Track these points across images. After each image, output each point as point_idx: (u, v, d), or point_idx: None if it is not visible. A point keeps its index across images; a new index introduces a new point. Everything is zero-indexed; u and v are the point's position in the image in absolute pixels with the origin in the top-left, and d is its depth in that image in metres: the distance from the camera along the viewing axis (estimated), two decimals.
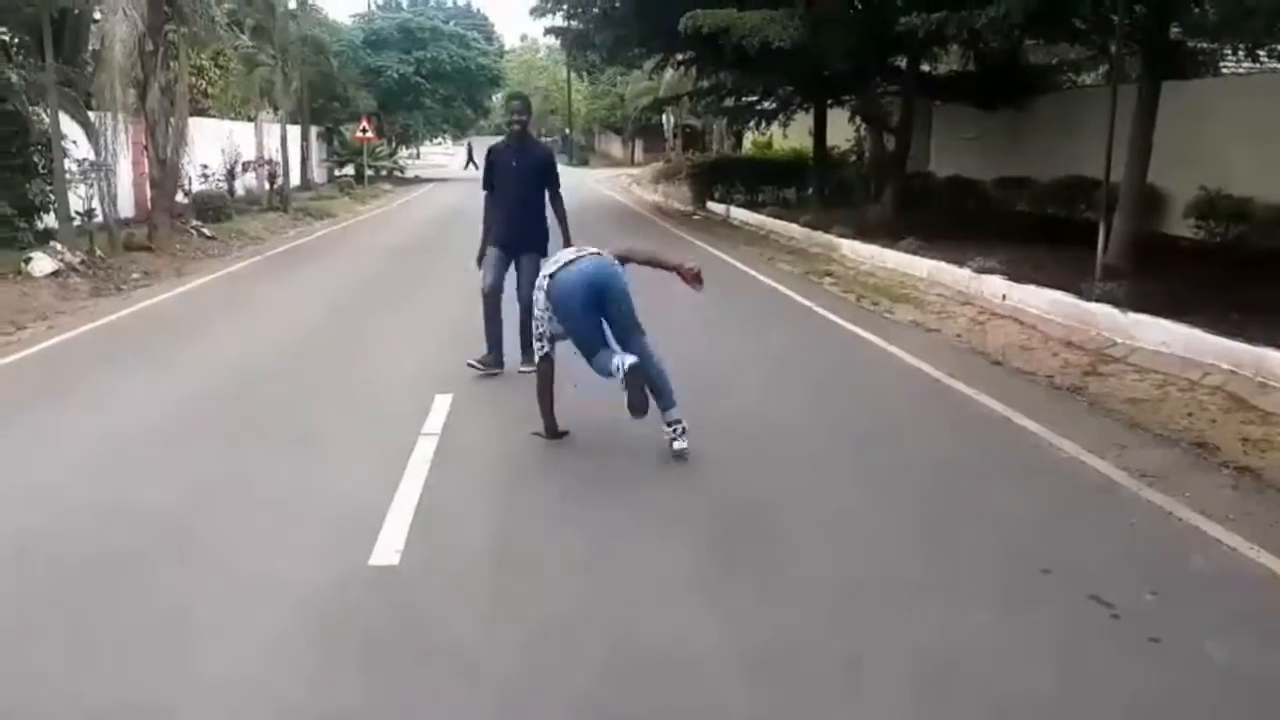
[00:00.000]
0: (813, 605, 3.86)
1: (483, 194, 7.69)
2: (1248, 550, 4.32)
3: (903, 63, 17.96)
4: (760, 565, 4.24)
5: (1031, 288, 9.98)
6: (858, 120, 21.94)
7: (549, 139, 76.88)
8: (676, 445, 5.50)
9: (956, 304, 10.60)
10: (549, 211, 7.54)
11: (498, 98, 52.35)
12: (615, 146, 65.70)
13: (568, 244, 6.79)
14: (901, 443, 6.05)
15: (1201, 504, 4.85)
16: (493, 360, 7.46)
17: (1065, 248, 11.63)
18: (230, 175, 23.00)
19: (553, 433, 5.83)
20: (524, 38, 76.72)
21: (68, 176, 13.96)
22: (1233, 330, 7.50)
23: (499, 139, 8.22)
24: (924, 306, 10.55)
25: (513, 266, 7.45)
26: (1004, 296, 10.32)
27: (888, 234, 14.73)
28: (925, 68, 19.17)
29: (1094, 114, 11.40)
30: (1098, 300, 9.00)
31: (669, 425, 5.54)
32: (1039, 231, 13.73)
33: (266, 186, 24.69)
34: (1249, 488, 5.14)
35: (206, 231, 17.81)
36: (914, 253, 13.13)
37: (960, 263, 11.67)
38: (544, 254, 6.89)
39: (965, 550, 4.42)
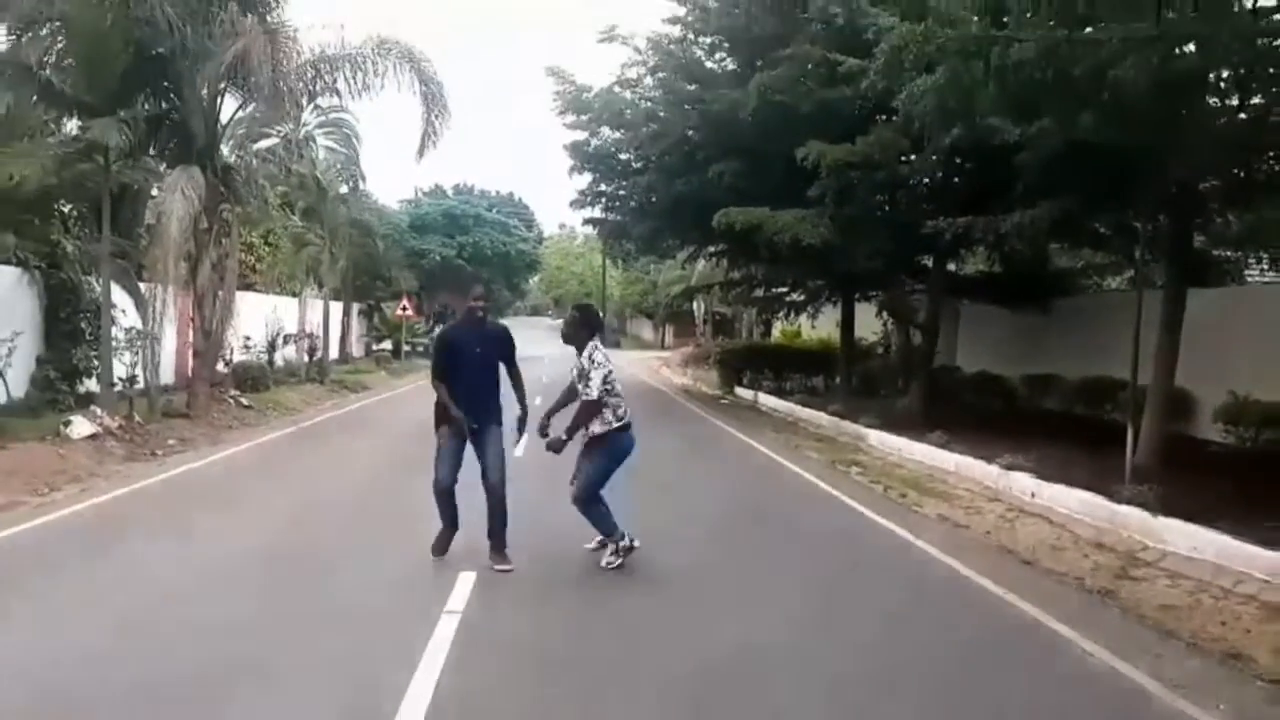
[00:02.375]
0: None
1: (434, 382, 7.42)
2: None
3: (929, 262, 18.39)
4: None
5: (1061, 487, 9.92)
6: (885, 313, 22.36)
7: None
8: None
9: (984, 499, 10.52)
10: (505, 386, 7.52)
11: (535, 281, 53.96)
12: (646, 330, 67.16)
13: (523, 405, 7.40)
14: (930, 644, 5.90)
15: (1236, 716, 4.70)
16: (448, 537, 7.33)
17: (1093, 447, 11.62)
18: (271, 347, 23.68)
19: None
20: (563, 225, 79.06)
21: (114, 344, 14.40)
22: (1266, 539, 7.38)
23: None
24: (952, 500, 10.48)
25: (471, 452, 7.27)
26: (1033, 494, 10.25)
27: (915, 426, 14.81)
28: (952, 267, 19.61)
29: (1120, 316, 11.60)
30: (1128, 502, 8.91)
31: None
32: (1066, 430, 13.77)
33: (306, 359, 25.35)
34: None
35: (244, 401, 18.19)
36: (942, 446, 13.12)
37: (988, 458, 11.65)
38: (502, 425, 7.33)
39: None
